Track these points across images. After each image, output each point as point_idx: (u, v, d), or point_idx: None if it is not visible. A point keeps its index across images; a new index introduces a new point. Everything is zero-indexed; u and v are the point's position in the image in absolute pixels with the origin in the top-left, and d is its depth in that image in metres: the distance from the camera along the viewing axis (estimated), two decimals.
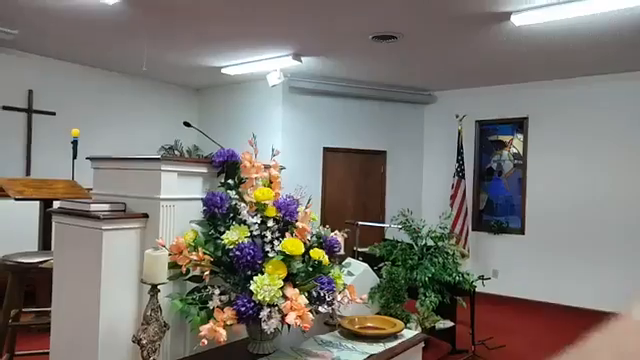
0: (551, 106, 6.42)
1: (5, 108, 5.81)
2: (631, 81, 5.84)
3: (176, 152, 7.20)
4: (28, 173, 5.89)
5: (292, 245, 1.92)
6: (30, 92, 5.99)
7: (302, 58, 5.71)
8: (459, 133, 6.73)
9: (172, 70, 6.62)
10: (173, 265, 1.87)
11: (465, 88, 7.06)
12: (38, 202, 3.82)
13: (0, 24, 4.91)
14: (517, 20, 4.21)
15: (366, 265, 3.97)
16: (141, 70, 6.06)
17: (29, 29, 5.03)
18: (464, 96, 7.09)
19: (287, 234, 2.03)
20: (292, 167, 3.36)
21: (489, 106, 6.88)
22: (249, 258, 1.84)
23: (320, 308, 1.96)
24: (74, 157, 4.78)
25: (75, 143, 4.82)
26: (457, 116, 6.72)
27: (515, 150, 6.86)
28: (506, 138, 6.95)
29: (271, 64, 5.87)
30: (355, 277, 3.48)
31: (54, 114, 6.13)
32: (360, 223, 4.85)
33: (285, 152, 2.50)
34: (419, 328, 3.59)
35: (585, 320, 5.63)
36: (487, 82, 6.70)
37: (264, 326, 1.80)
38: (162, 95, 7.41)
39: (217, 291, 1.85)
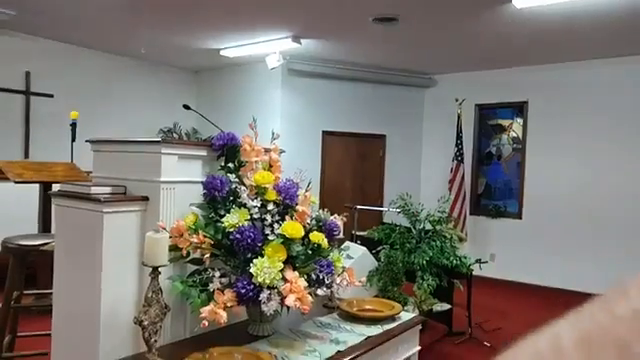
0: (551, 90, 6.40)
1: (2, 90, 5.77)
2: (632, 65, 5.81)
3: (175, 135, 7.19)
4: (27, 156, 5.88)
5: (292, 228, 1.93)
6: (27, 74, 5.95)
7: (301, 40, 5.67)
8: (459, 117, 6.71)
9: (171, 52, 6.57)
10: (174, 248, 1.88)
11: (465, 72, 7.02)
12: (37, 185, 3.82)
13: None
14: (519, 2, 4.17)
15: (364, 249, 4.00)
16: (140, 52, 6.01)
17: (26, 10, 4.97)
18: (464, 80, 7.06)
19: (287, 217, 2.04)
20: (291, 150, 3.35)
21: (489, 90, 6.85)
22: (249, 241, 1.86)
23: (319, 291, 1.98)
24: (73, 140, 4.77)
25: (74, 125, 4.81)
26: (457, 100, 6.70)
27: (514, 134, 6.85)
28: (506, 122, 6.94)
29: (270, 46, 5.82)
30: (354, 260, 3.51)
31: (52, 96, 6.09)
32: (359, 207, 4.87)
33: (284, 135, 2.49)
34: (416, 311, 3.63)
35: (581, 303, 5.68)
36: (487, 66, 6.66)
37: (264, 308, 1.82)
38: (161, 77, 7.36)
39: (217, 273, 1.87)
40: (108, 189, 1.98)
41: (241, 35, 5.65)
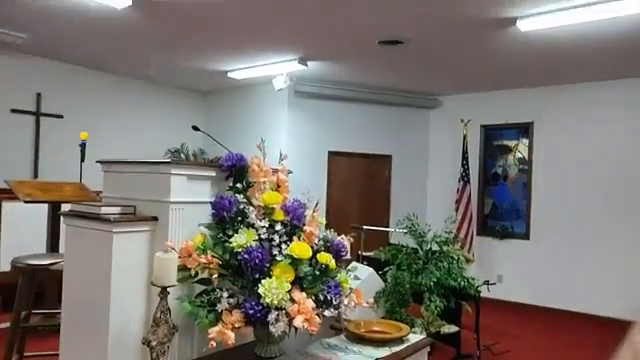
0: (556, 111, 6.42)
1: (14, 111, 5.87)
2: (637, 87, 5.84)
3: (182, 155, 7.24)
4: (36, 176, 5.94)
5: (300, 249, 1.94)
6: (38, 95, 6.05)
7: (308, 62, 5.74)
8: (464, 138, 6.74)
9: (179, 74, 6.67)
10: (182, 268, 1.89)
11: (470, 93, 7.07)
12: (46, 205, 3.85)
13: (9, 28, 4.97)
14: (523, 25, 4.22)
15: (371, 269, 3.98)
16: (148, 74, 6.11)
17: (38, 33, 5.09)
18: (469, 101, 7.10)
19: (295, 238, 2.05)
20: (297, 171, 3.36)
21: (494, 111, 6.89)
22: (257, 261, 1.86)
23: (327, 312, 1.98)
24: (82, 160, 4.82)
25: (83, 146, 4.86)
26: (462, 121, 6.74)
27: (520, 155, 6.86)
28: (511, 143, 6.95)
29: (277, 68, 5.90)
30: (361, 281, 3.49)
31: (62, 117, 6.19)
32: (365, 227, 4.86)
33: (290, 155, 2.51)
34: (424, 332, 3.59)
35: (590, 325, 5.61)
36: (492, 87, 6.71)
37: (271, 329, 1.81)
38: (169, 99, 7.46)
39: (225, 294, 1.87)
40: (118, 209, 2.01)
41: (248, 57, 5.74)
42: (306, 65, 5.77)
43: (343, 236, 2.27)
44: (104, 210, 1.97)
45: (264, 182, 2.17)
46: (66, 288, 2.11)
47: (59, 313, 2.16)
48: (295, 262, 1.92)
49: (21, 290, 2.78)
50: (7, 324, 2.87)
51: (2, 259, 4.59)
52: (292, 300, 1.84)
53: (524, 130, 6.78)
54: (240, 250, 1.89)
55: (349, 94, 6.92)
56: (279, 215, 2.05)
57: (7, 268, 2.91)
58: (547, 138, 6.51)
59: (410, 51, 5.15)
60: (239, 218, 2.05)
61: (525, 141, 6.78)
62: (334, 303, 1.97)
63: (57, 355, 2.12)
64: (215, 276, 1.91)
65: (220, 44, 5.26)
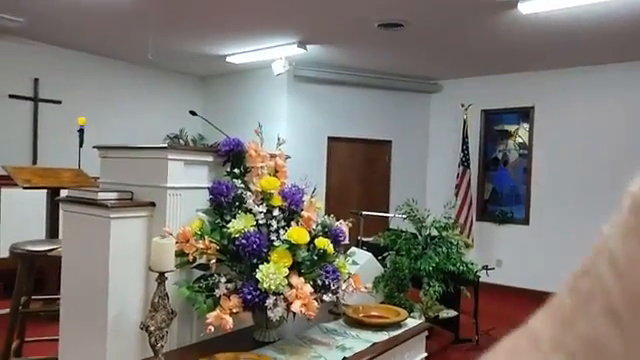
0: (557, 95, 6.38)
1: (11, 97, 5.83)
2: (638, 70, 5.79)
3: (181, 141, 7.22)
4: (35, 162, 5.93)
5: (297, 234, 1.94)
6: (36, 80, 6.01)
7: (307, 46, 5.69)
8: (464, 122, 6.70)
9: (177, 58, 6.61)
10: (180, 253, 1.89)
11: (471, 77, 7.02)
12: (45, 191, 3.85)
13: (6, 12, 4.92)
14: (524, 8, 4.17)
15: (370, 254, 3.99)
16: (147, 58, 6.05)
17: (35, 17, 5.03)
18: (470, 85, 7.05)
19: (292, 223, 2.04)
20: (296, 156, 3.35)
21: (495, 95, 6.84)
22: (255, 247, 1.86)
23: (325, 297, 1.98)
24: (80, 145, 4.81)
25: (81, 131, 4.85)
26: (463, 105, 6.70)
27: (521, 140, 6.83)
28: (512, 128, 6.92)
29: (276, 52, 5.85)
30: (359, 266, 3.50)
31: (60, 102, 6.15)
32: (364, 213, 4.86)
33: (289, 141, 2.50)
34: (423, 317, 3.62)
35: None
36: (493, 71, 6.66)
37: (270, 314, 1.82)
38: (167, 83, 7.42)
39: (223, 279, 1.87)
40: (115, 195, 2.00)
41: (247, 41, 5.68)
42: (305, 49, 5.72)
43: (341, 221, 2.27)
44: (101, 196, 1.96)
45: (262, 167, 2.16)
46: (65, 274, 2.11)
47: (59, 299, 2.16)
48: (293, 247, 1.92)
49: (20, 276, 2.78)
50: (7, 310, 2.88)
51: (1, 245, 4.61)
52: (290, 285, 1.85)
53: (525, 115, 6.74)
54: (238, 235, 1.89)
55: (349, 78, 6.87)
56: (277, 200, 2.05)
57: (6, 254, 2.91)
58: (548, 122, 6.47)
59: (410, 34, 5.10)
60: (237, 203, 2.05)
61: (525, 126, 6.75)
62: (332, 288, 1.98)
63: (57, 340, 2.13)
64: (213, 261, 1.91)
65: (219, 27, 5.20)
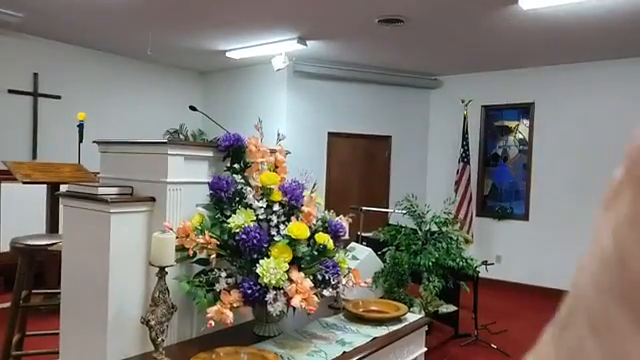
0: (557, 91, 6.37)
1: (11, 92, 5.82)
2: (638, 66, 5.78)
3: (181, 136, 7.22)
4: (34, 157, 5.93)
5: (297, 229, 1.94)
6: (35, 75, 6.00)
7: (307, 42, 5.68)
8: (464, 118, 6.70)
9: (177, 53, 6.60)
10: (180, 248, 1.89)
11: (471, 73, 7.01)
12: (45, 186, 3.85)
13: (5, 7, 4.90)
14: (525, 4, 4.16)
15: (370, 250, 3.99)
16: (146, 54, 6.04)
17: (34, 12, 5.02)
18: (470, 81, 7.04)
19: (293, 218, 2.05)
20: (296, 152, 3.36)
21: (495, 91, 6.83)
22: (255, 242, 1.87)
23: (325, 291, 1.99)
24: (80, 140, 4.81)
25: (81, 127, 4.85)
26: (463, 101, 6.69)
27: (521, 136, 6.83)
28: (512, 124, 6.91)
29: (276, 48, 5.84)
30: (359, 261, 3.51)
31: (59, 97, 6.14)
32: (364, 208, 4.87)
33: (289, 136, 2.50)
34: (422, 312, 3.63)
35: None
36: (493, 67, 6.65)
37: (270, 308, 1.82)
38: (167, 79, 7.40)
39: (224, 274, 1.88)
40: (115, 190, 2.00)
41: (247, 37, 5.67)
42: (305, 44, 5.71)
43: (341, 216, 2.27)
44: (101, 191, 1.96)
45: (262, 162, 2.17)
46: (65, 268, 2.12)
47: (59, 293, 2.17)
48: (293, 242, 1.93)
49: (21, 270, 2.79)
50: (8, 304, 2.89)
51: (2, 240, 4.61)
52: (290, 280, 1.85)
53: (525, 111, 6.73)
54: (238, 230, 1.90)
55: (349, 74, 6.86)
56: (277, 196, 2.05)
57: (7, 249, 2.92)
58: (548, 119, 6.47)
59: (410, 30, 5.09)
60: (237, 199, 2.05)
61: (526, 122, 6.74)
62: (332, 283, 1.98)
63: (58, 334, 2.14)
64: (213, 256, 1.92)
65: (218, 22, 5.19)
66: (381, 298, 3.41)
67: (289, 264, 1.87)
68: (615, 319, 0.21)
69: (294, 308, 1.87)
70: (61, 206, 2.20)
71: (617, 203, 0.23)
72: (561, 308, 0.25)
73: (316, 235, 2.03)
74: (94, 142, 2.25)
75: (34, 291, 3.07)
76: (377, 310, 2.45)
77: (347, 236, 2.30)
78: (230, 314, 1.78)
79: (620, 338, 0.20)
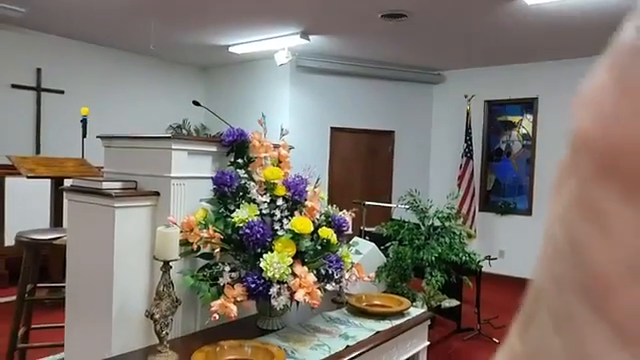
0: (561, 86, 6.34)
1: (14, 86, 5.84)
2: None
3: (184, 131, 7.22)
4: (37, 152, 5.94)
5: (301, 224, 1.95)
6: (39, 70, 6.01)
7: (310, 37, 5.67)
8: (468, 113, 6.68)
9: (180, 49, 6.59)
10: (184, 242, 1.90)
11: (474, 68, 6.98)
12: (49, 180, 3.87)
13: (8, 2, 4.90)
14: None
15: (373, 244, 4.00)
16: (149, 49, 6.04)
17: (37, 7, 5.02)
18: (473, 76, 7.02)
19: (296, 213, 2.05)
20: (299, 147, 3.37)
21: (498, 86, 6.81)
22: (259, 236, 1.87)
23: (328, 286, 2.00)
24: (84, 135, 4.82)
25: (84, 121, 4.85)
26: (466, 96, 6.67)
27: (524, 131, 6.81)
28: (515, 119, 6.89)
29: (279, 43, 5.83)
30: (362, 256, 3.52)
31: (63, 92, 6.16)
32: (367, 203, 4.87)
33: (292, 131, 2.51)
34: (425, 307, 3.64)
35: None
36: (497, 62, 6.62)
37: (273, 302, 1.83)
38: (170, 74, 7.40)
39: (227, 268, 1.89)
40: (119, 184, 2.01)
41: (250, 32, 5.66)
42: (308, 39, 5.69)
43: (345, 211, 2.28)
44: (105, 185, 1.97)
45: (265, 157, 2.17)
46: (70, 262, 2.13)
47: (64, 287, 2.18)
48: (296, 237, 1.93)
49: (26, 264, 2.81)
50: (14, 297, 2.91)
51: (7, 234, 4.64)
52: (294, 274, 1.86)
53: (528, 106, 6.71)
54: (242, 225, 1.90)
55: (352, 69, 6.84)
56: (280, 190, 2.05)
57: (12, 243, 2.94)
58: (551, 113, 6.45)
59: (413, 25, 5.07)
60: (240, 193, 2.06)
61: (529, 117, 6.72)
62: (335, 277, 1.99)
63: (62, 327, 2.15)
64: (217, 250, 1.93)
65: (221, 17, 5.18)
66: (384, 292, 3.42)
67: (293, 258, 1.88)
68: (576, 316, 0.19)
69: (297, 302, 1.88)
70: (65, 200, 2.21)
71: (564, 187, 0.21)
72: (525, 301, 0.24)
73: (319, 230, 2.04)
74: (98, 137, 2.26)
75: (39, 285, 3.10)
76: (380, 304, 2.45)
77: (350, 231, 2.30)
78: (234, 308, 1.79)
79: (583, 338, 0.19)
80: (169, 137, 2.02)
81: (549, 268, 0.22)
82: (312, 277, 1.89)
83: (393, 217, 4.95)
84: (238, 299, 1.83)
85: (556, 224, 0.22)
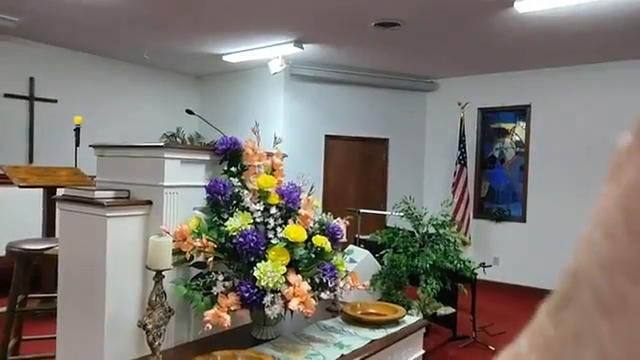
0: (554, 94, 6.39)
1: (7, 96, 5.81)
2: (635, 69, 5.81)
3: (178, 139, 7.20)
4: (30, 161, 5.91)
5: (295, 232, 1.94)
6: (31, 79, 5.99)
7: (304, 45, 5.69)
8: (461, 121, 6.71)
9: (173, 57, 6.60)
10: (177, 251, 1.89)
11: (467, 75, 7.03)
12: (42, 190, 3.83)
13: (1, 11, 4.89)
14: (520, 7, 4.18)
15: (368, 252, 3.99)
16: (143, 57, 6.04)
17: (30, 16, 5.01)
18: (466, 83, 7.06)
19: (290, 221, 2.04)
20: (293, 155, 3.36)
21: (491, 94, 6.85)
22: (252, 245, 1.86)
23: (322, 294, 1.99)
24: (77, 144, 4.79)
25: (77, 130, 4.83)
26: (459, 104, 6.70)
27: (517, 138, 6.84)
28: (508, 126, 6.93)
29: (273, 51, 5.84)
30: (357, 264, 3.51)
31: (56, 101, 6.13)
32: (362, 211, 4.87)
33: (286, 140, 2.51)
34: (420, 314, 3.63)
35: None
36: (489, 70, 6.67)
37: (267, 312, 1.82)
38: (164, 82, 7.40)
39: (221, 277, 1.87)
40: (112, 193, 1.99)
41: (244, 40, 5.67)
42: (302, 48, 5.72)
43: (339, 219, 2.27)
44: (98, 194, 1.96)
45: (259, 166, 2.17)
46: (61, 272, 2.11)
47: (55, 297, 2.16)
48: (290, 245, 1.92)
49: (17, 274, 2.78)
50: (4, 308, 2.88)
51: None
52: (288, 283, 1.85)
53: (521, 113, 6.75)
54: (235, 234, 1.89)
55: (346, 77, 6.87)
56: (274, 198, 2.05)
57: (3, 253, 2.90)
58: (544, 121, 6.49)
59: (406, 33, 5.10)
60: (234, 202, 2.05)
61: (522, 124, 6.76)
62: (330, 286, 1.98)
63: (54, 338, 2.13)
64: (210, 259, 1.91)
65: (215, 26, 5.19)
66: (379, 300, 3.40)
67: (286, 267, 1.87)
68: (630, 300, 0.19)
69: (292, 311, 1.86)
70: (57, 210, 2.19)
71: (625, 171, 0.21)
72: (558, 285, 0.24)
73: (313, 238, 2.03)
74: (90, 146, 2.25)
75: (30, 295, 3.06)
76: (375, 313, 2.44)
77: (345, 239, 2.30)
78: (227, 317, 1.78)
79: (637, 322, 0.19)
80: (162, 146, 2.01)
81: (596, 252, 0.22)
82: (306, 286, 1.88)
83: (388, 225, 4.95)
84: (232, 308, 1.81)
85: (612, 209, 0.21)
